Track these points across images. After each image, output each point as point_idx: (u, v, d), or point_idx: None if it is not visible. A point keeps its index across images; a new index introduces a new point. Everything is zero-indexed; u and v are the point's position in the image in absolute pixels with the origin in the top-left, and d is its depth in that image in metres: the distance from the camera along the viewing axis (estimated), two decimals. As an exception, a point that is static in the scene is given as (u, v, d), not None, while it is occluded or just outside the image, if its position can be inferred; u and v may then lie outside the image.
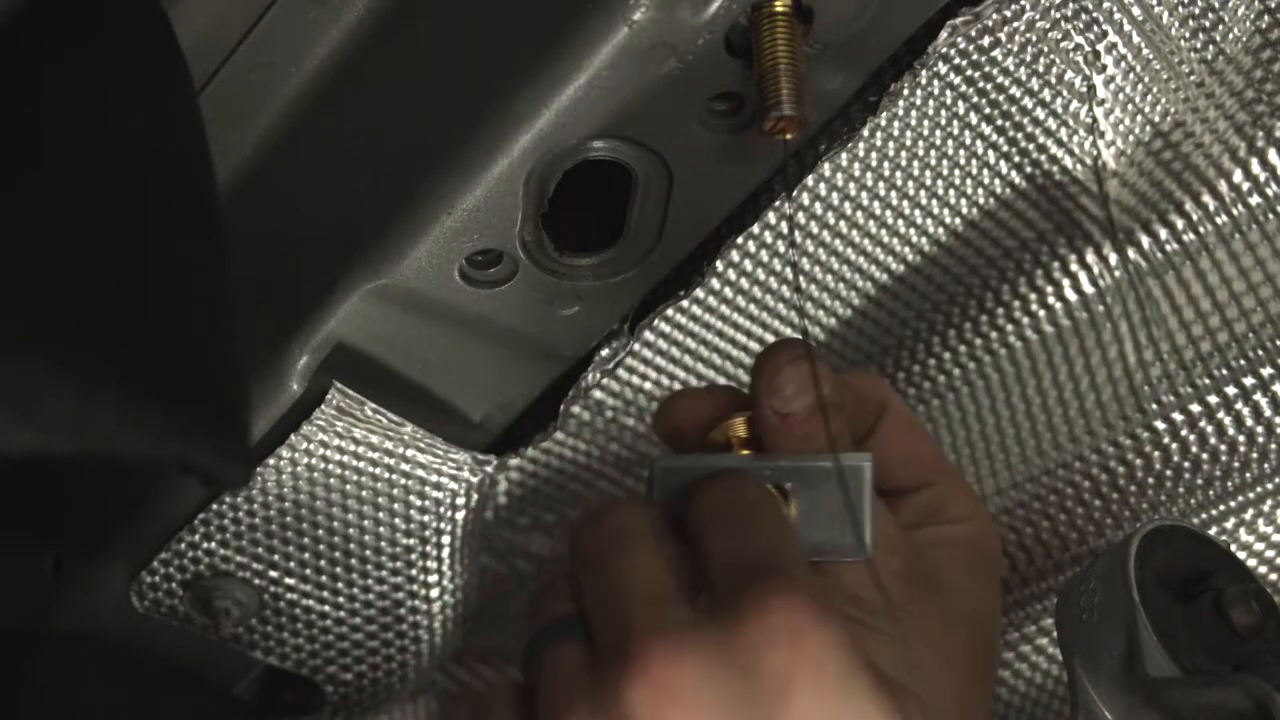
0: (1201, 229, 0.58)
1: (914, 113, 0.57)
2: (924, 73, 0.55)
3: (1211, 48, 0.56)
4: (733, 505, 0.44)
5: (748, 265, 0.60)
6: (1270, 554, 0.58)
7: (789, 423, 0.47)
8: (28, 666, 0.55)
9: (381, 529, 0.61)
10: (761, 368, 0.48)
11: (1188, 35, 0.56)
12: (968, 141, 0.58)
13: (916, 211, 0.60)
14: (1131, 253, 0.60)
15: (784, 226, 0.58)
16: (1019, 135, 0.58)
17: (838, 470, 0.44)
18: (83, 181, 0.36)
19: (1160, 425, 0.58)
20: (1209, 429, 0.57)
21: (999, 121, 0.58)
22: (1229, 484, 0.57)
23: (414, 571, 0.63)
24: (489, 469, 0.60)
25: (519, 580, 0.68)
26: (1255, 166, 0.57)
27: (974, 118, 0.57)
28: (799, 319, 0.62)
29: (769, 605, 0.39)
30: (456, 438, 0.59)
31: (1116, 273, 0.60)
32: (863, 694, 0.39)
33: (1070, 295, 0.61)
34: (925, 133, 0.58)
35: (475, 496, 0.61)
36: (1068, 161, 0.59)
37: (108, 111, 0.37)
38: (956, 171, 0.59)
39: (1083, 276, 0.61)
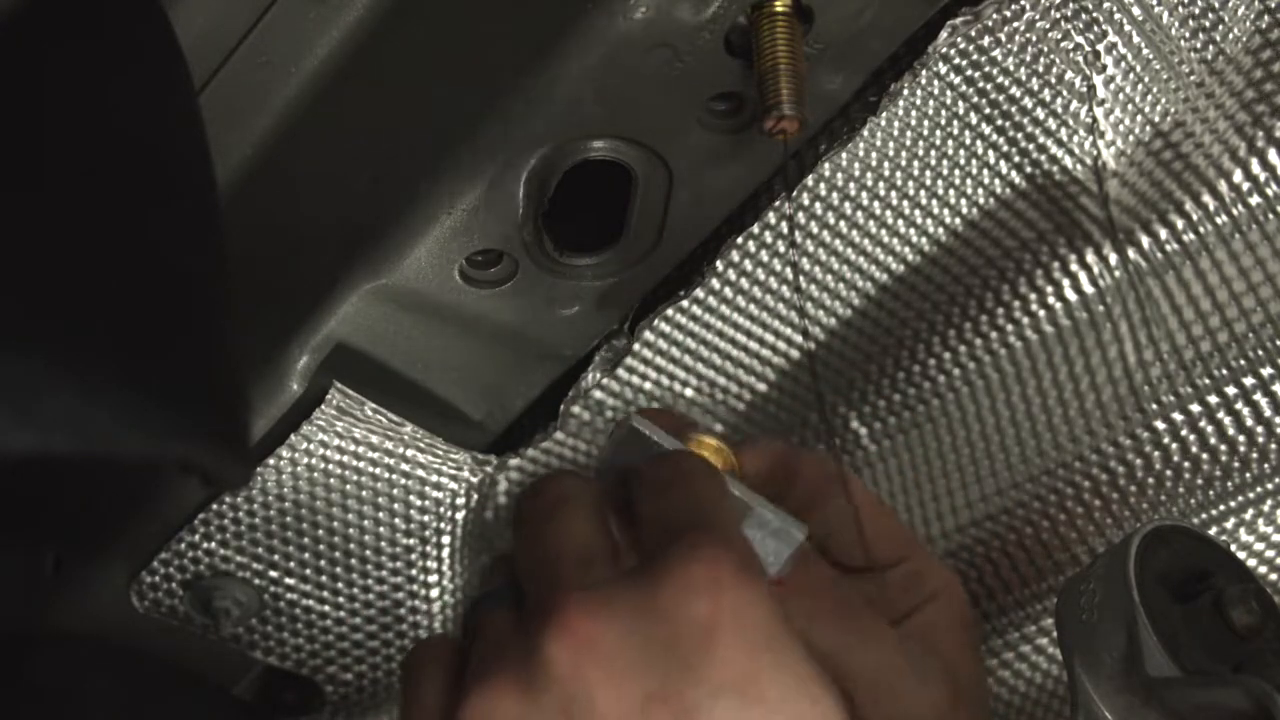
0: (1201, 229, 0.58)
1: (914, 113, 0.57)
2: (924, 73, 0.55)
3: (1211, 48, 0.56)
4: (669, 474, 0.45)
5: (748, 265, 0.60)
6: (1270, 554, 0.58)
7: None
8: (28, 666, 0.55)
9: (381, 529, 0.61)
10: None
11: (1188, 35, 0.56)
12: (968, 141, 0.58)
13: (916, 211, 0.60)
14: (1131, 253, 0.60)
15: (784, 226, 0.58)
16: (1019, 135, 0.58)
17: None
18: (83, 181, 0.36)
19: (1160, 425, 0.58)
20: (1209, 429, 0.57)
21: (999, 121, 0.58)
22: (1229, 484, 0.57)
23: (414, 571, 0.63)
24: (489, 469, 0.60)
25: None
26: (1255, 166, 0.57)
27: (974, 118, 0.57)
28: (799, 319, 0.62)
29: (692, 557, 0.39)
30: (456, 438, 0.59)
31: (1116, 273, 0.60)
32: (788, 647, 0.39)
33: (1070, 295, 0.61)
34: (925, 133, 0.58)
35: (475, 496, 0.61)
36: (1068, 161, 0.59)
37: (108, 111, 0.37)
38: (956, 171, 0.59)
39: (1083, 276, 0.61)
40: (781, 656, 0.38)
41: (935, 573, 0.51)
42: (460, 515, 0.62)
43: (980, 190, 0.60)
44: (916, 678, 0.47)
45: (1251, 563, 0.58)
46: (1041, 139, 0.58)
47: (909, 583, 0.50)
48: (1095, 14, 0.55)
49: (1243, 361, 0.57)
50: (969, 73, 0.56)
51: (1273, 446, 0.56)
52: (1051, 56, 0.56)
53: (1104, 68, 0.56)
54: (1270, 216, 0.57)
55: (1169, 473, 0.58)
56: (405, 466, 0.59)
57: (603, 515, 0.44)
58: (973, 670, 0.50)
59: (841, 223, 0.60)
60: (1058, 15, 0.55)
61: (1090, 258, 0.61)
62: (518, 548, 0.45)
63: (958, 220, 0.61)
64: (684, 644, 0.38)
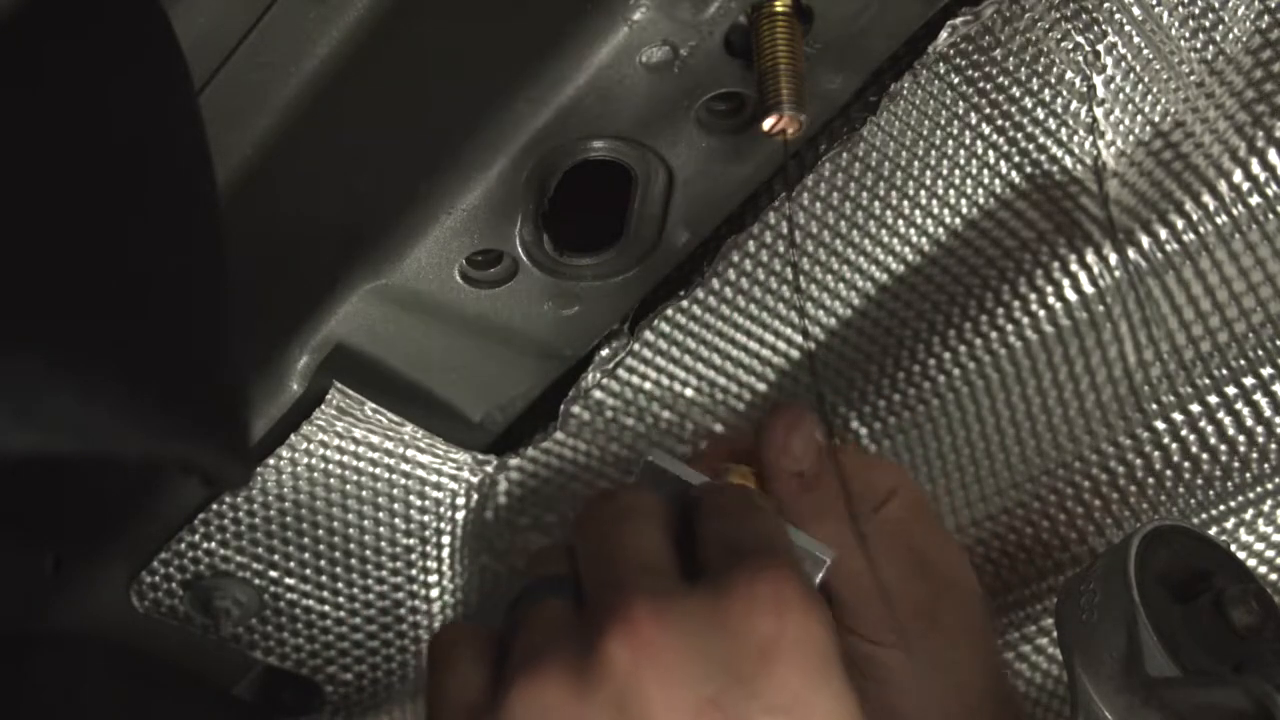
0: (1201, 229, 0.58)
1: (914, 113, 0.57)
2: (924, 73, 0.55)
3: (1211, 48, 0.56)
4: (732, 499, 0.46)
5: (748, 265, 0.60)
6: (1270, 554, 0.58)
7: (804, 481, 0.49)
8: (28, 666, 0.55)
9: (381, 529, 0.61)
10: (773, 426, 0.51)
11: (1188, 35, 0.56)
12: (968, 141, 0.58)
13: (916, 211, 0.60)
14: (1131, 253, 0.60)
15: (784, 226, 0.58)
16: (1019, 135, 0.58)
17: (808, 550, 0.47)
18: (83, 181, 0.36)
19: (1160, 425, 0.58)
20: (1209, 429, 0.57)
21: (999, 121, 0.58)
22: (1229, 484, 0.57)
23: (414, 571, 0.63)
24: (489, 469, 0.60)
25: (519, 580, 0.68)
26: (1255, 166, 0.57)
27: (974, 118, 0.57)
28: (799, 319, 0.62)
29: (760, 576, 0.39)
30: (456, 438, 0.59)
31: (1116, 273, 0.60)
32: (839, 676, 0.39)
33: (1070, 295, 0.61)
34: (925, 133, 0.58)
35: (475, 496, 0.61)
36: (1068, 161, 0.59)
37: (108, 111, 0.37)
38: (956, 171, 0.59)
39: (1083, 276, 0.61)
40: (833, 682, 0.39)
41: (887, 471, 0.53)
42: (460, 515, 0.62)
43: (980, 190, 0.60)
44: (887, 563, 0.48)
45: (1251, 563, 0.58)
46: (1041, 139, 0.58)
47: (866, 489, 0.52)
48: (1095, 14, 0.55)
49: (1243, 361, 0.57)
50: (969, 73, 0.56)
51: (1273, 446, 0.56)
52: (1051, 56, 0.56)
53: (1104, 68, 0.56)
54: (1270, 216, 0.57)
55: (1169, 473, 0.58)
56: (405, 466, 0.59)
57: (671, 531, 0.45)
58: (943, 553, 0.51)
59: (841, 223, 0.60)
60: (1058, 15, 0.55)
61: (1090, 258, 0.60)
62: (584, 546, 0.45)
63: (958, 220, 0.61)
64: (743, 659, 0.38)
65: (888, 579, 0.48)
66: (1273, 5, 0.55)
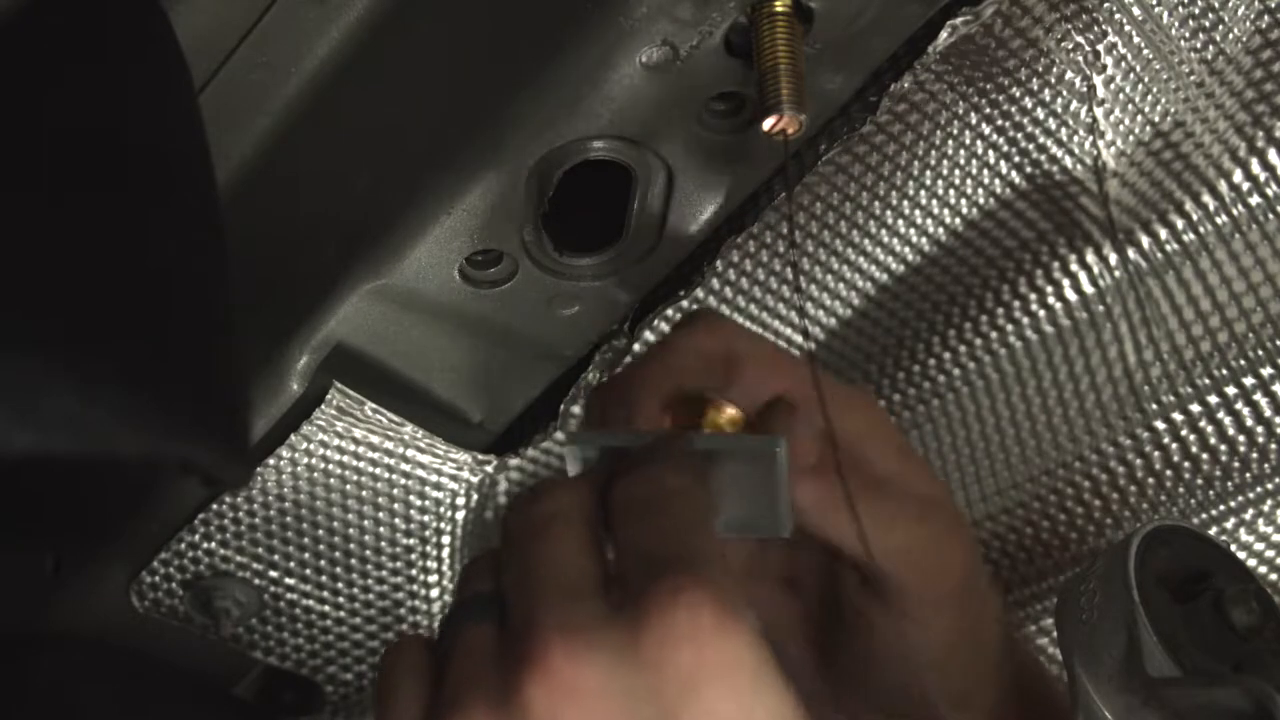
0: (1201, 229, 0.58)
1: (914, 113, 0.57)
2: (924, 73, 0.55)
3: (1211, 48, 0.56)
4: (647, 493, 0.43)
5: (748, 265, 0.60)
6: (1270, 554, 0.58)
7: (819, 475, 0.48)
8: (28, 667, 0.55)
9: (381, 529, 0.61)
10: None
11: (1188, 35, 0.56)
12: (968, 141, 0.58)
13: (916, 211, 0.60)
14: (1131, 253, 0.60)
15: (784, 226, 0.58)
16: (1019, 135, 0.58)
17: (759, 449, 0.44)
18: (82, 181, 0.36)
19: (1160, 425, 0.58)
20: (1209, 429, 0.57)
21: (999, 121, 0.58)
22: (1229, 484, 0.57)
23: (414, 571, 0.63)
24: (489, 469, 0.60)
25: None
26: (1255, 166, 0.57)
27: (974, 118, 0.57)
28: (799, 319, 0.62)
29: (673, 602, 0.38)
30: (456, 438, 0.59)
31: (1116, 273, 0.60)
32: (772, 689, 0.38)
33: (1070, 295, 0.61)
34: (925, 133, 0.58)
35: (475, 496, 0.61)
36: (1068, 161, 0.59)
37: (108, 111, 0.37)
38: (956, 171, 0.59)
39: (1083, 276, 0.61)
40: (767, 698, 0.38)
41: (844, 392, 0.51)
42: (460, 515, 0.62)
43: (980, 190, 0.60)
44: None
45: (1251, 563, 0.58)
46: (1041, 139, 0.58)
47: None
48: (1095, 14, 0.55)
49: (1243, 361, 0.57)
50: (969, 73, 0.56)
51: (1273, 446, 0.56)
52: (1051, 56, 0.56)
53: (1104, 68, 0.56)
54: (1270, 216, 0.57)
55: (1169, 473, 0.58)
56: (405, 466, 0.59)
57: (595, 535, 0.43)
58: (905, 467, 0.49)
59: (841, 223, 0.60)
60: (1058, 15, 0.55)
61: (1090, 258, 0.61)
62: (505, 561, 0.43)
63: (958, 220, 0.61)
64: (668, 693, 0.37)
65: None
66: (1273, 5, 0.55)
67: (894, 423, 0.53)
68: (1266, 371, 0.56)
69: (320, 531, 0.60)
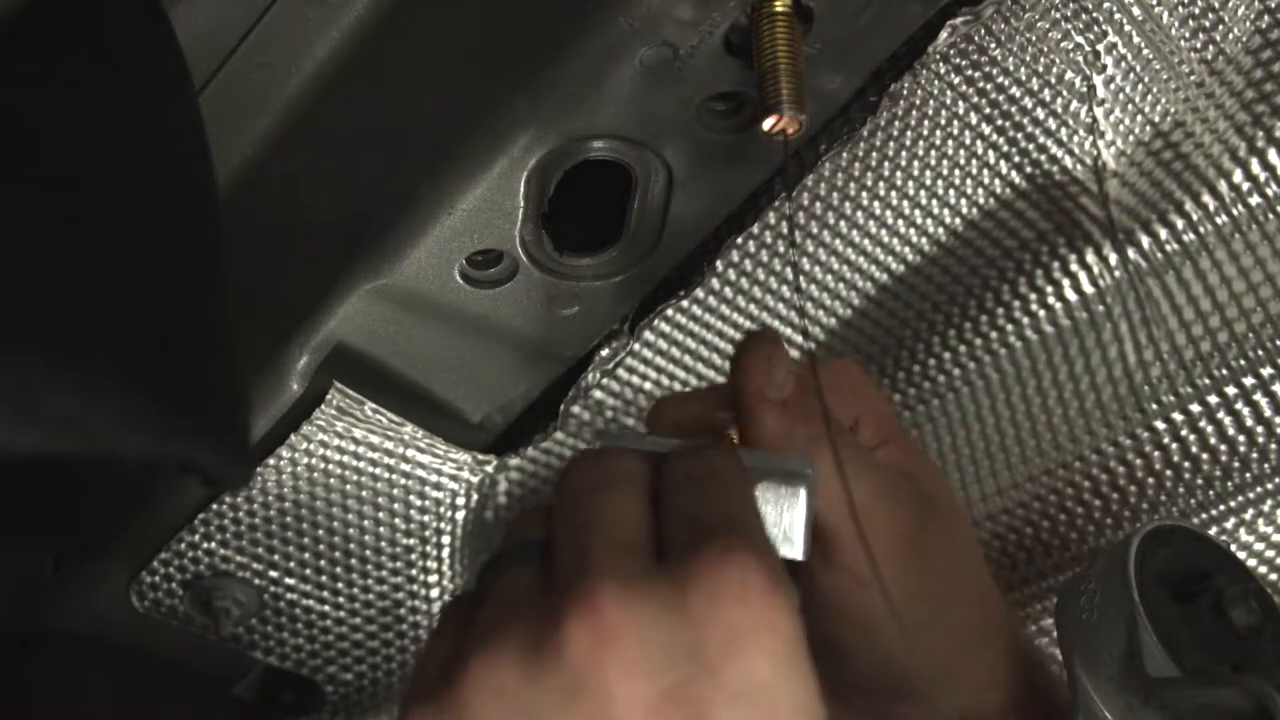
0: (1201, 229, 0.58)
1: (914, 113, 0.57)
2: (924, 73, 0.55)
3: (1211, 48, 0.56)
4: (700, 469, 0.44)
5: (748, 265, 0.60)
6: (1270, 554, 0.58)
7: (788, 410, 0.47)
8: (28, 667, 0.55)
9: (381, 529, 0.61)
10: (752, 355, 0.49)
11: (1188, 35, 0.56)
12: (968, 141, 0.58)
13: (916, 211, 0.60)
14: (1131, 253, 0.60)
15: (784, 226, 0.58)
16: (1019, 135, 0.58)
17: (793, 472, 0.45)
18: (83, 182, 0.36)
19: (1160, 425, 0.58)
20: (1209, 429, 0.57)
21: (999, 121, 0.58)
22: (1229, 484, 0.57)
23: (414, 571, 0.63)
24: (489, 469, 0.60)
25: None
26: (1255, 166, 0.57)
27: (974, 118, 0.57)
28: (799, 319, 0.62)
29: (725, 560, 0.38)
30: (456, 438, 0.59)
31: (1116, 273, 0.60)
32: (804, 661, 0.38)
33: (1070, 295, 0.61)
34: (925, 133, 0.58)
35: (475, 496, 0.61)
36: (1068, 161, 0.59)
37: (108, 111, 0.38)
38: (956, 171, 0.59)
39: (1083, 276, 0.61)
40: (800, 668, 0.38)
41: (856, 390, 0.52)
42: (460, 515, 0.62)
43: (980, 190, 0.60)
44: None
45: (1251, 563, 0.58)
46: (1041, 139, 0.58)
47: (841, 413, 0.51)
48: (1095, 14, 0.55)
49: (1243, 361, 0.57)
50: (969, 73, 0.56)
51: (1273, 446, 0.56)
52: (1051, 56, 0.56)
53: (1104, 68, 0.56)
54: (1270, 216, 0.57)
55: (1169, 473, 0.58)
56: (405, 466, 0.59)
57: (652, 503, 0.43)
58: (922, 469, 0.50)
59: (841, 223, 0.60)
60: (1058, 15, 0.55)
61: (1090, 258, 0.61)
62: (560, 511, 0.43)
63: (958, 220, 0.61)
64: (709, 648, 0.38)
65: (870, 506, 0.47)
66: (1273, 5, 0.55)
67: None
68: (1266, 371, 0.56)
69: (320, 531, 0.60)
